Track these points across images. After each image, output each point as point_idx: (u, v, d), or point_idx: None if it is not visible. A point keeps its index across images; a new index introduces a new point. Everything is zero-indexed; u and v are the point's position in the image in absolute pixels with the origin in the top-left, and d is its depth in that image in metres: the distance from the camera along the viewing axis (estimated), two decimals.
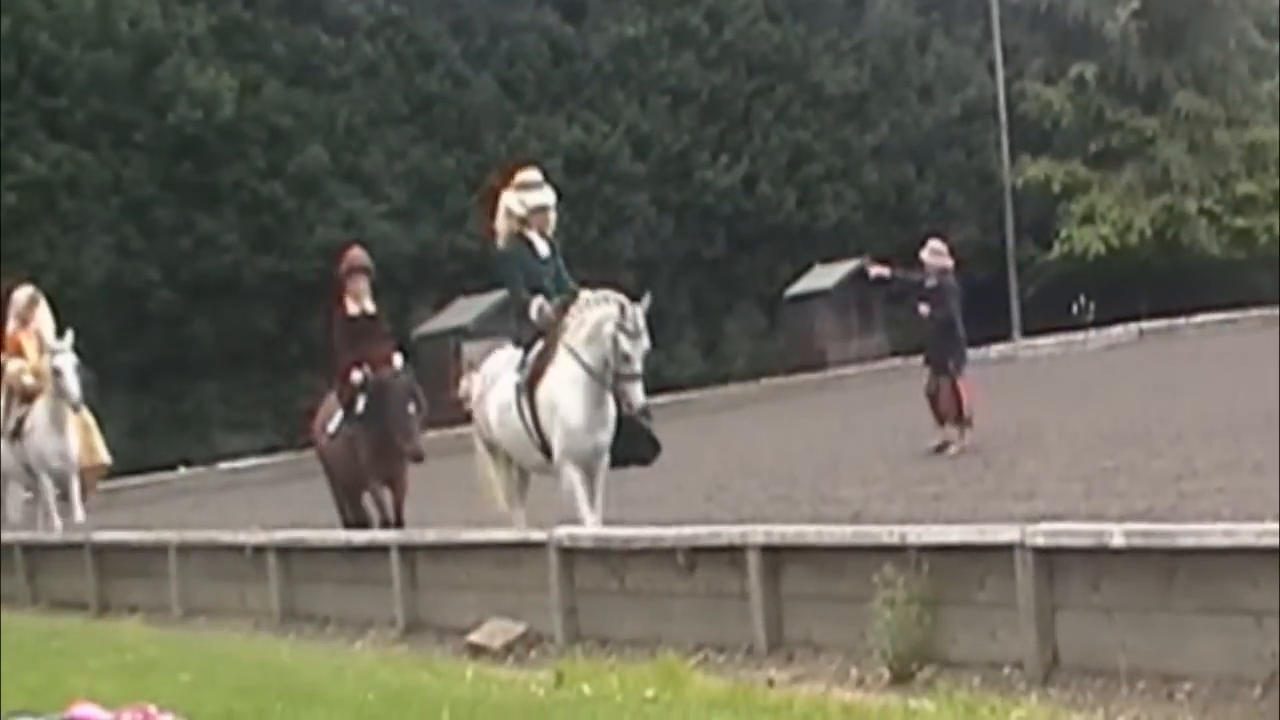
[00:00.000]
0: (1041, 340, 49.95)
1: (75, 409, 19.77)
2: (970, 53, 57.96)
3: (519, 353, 14.38)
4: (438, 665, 10.99)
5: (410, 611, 13.09)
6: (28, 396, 20.27)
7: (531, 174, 15.25)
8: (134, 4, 45.69)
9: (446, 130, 50.30)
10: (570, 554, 11.66)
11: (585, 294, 14.08)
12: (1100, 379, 32.75)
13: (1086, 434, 20.27)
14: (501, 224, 14.70)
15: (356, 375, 15.75)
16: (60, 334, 19.98)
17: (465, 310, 46.21)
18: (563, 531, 11.88)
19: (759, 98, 53.98)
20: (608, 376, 13.43)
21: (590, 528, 12.91)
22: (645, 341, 13.43)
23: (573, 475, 13.61)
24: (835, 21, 55.84)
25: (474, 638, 11.88)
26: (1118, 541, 8.27)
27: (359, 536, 14.35)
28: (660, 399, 43.01)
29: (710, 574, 10.68)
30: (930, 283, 21.50)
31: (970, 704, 7.98)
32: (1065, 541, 8.61)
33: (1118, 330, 48.48)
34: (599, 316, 13.56)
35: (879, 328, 49.96)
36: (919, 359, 22.82)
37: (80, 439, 20.28)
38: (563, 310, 13.95)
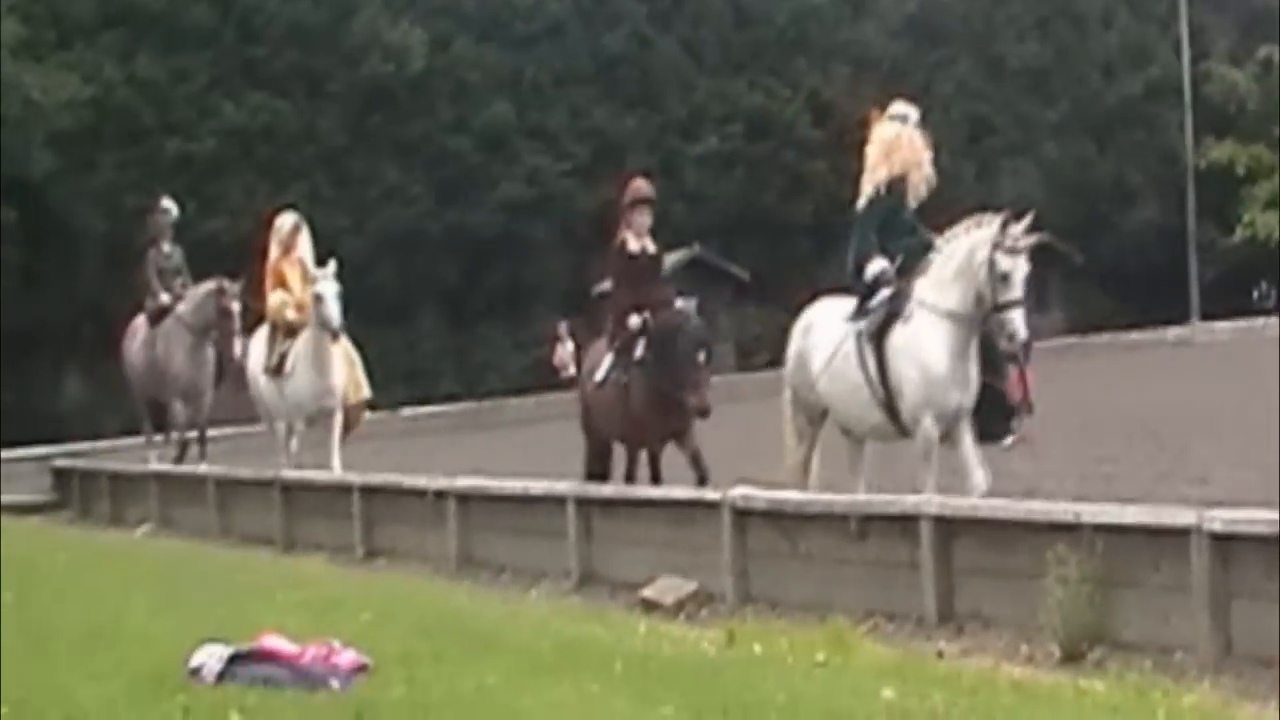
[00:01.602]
0: (1220, 325, 49.10)
1: (335, 337, 18.43)
2: (1155, 30, 56.97)
3: (848, 302, 12.72)
4: (610, 618, 11.05)
5: (584, 564, 13.16)
6: (291, 330, 19.14)
7: (915, 110, 13.26)
8: None
9: (629, 90, 50.43)
10: (744, 515, 11.66)
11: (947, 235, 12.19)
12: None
13: (1263, 422, 19.87)
14: (896, 161, 12.75)
15: (634, 320, 14.23)
16: (322, 262, 18.89)
17: None
18: (737, 493, 11.88)
19: (940, 69, 53.48)
20: (979, 315, 11.73)
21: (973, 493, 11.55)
22: (1025, 264, 11.63)
23: (932, 431, 11.93)
24: None
25: (646, 593, 11.92)
26: None
27: (536, 486, 14.35)
28: None
29: (882, 542, 10.65)
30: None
31: (1141, 687, 7.88)
32: (1243, 528, 8.47)
33: None
34: (969, 245, 11.86)
35: (1057, 304, 49.44)
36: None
37: (345, 374, 19.16)
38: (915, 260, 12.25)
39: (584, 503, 13.31)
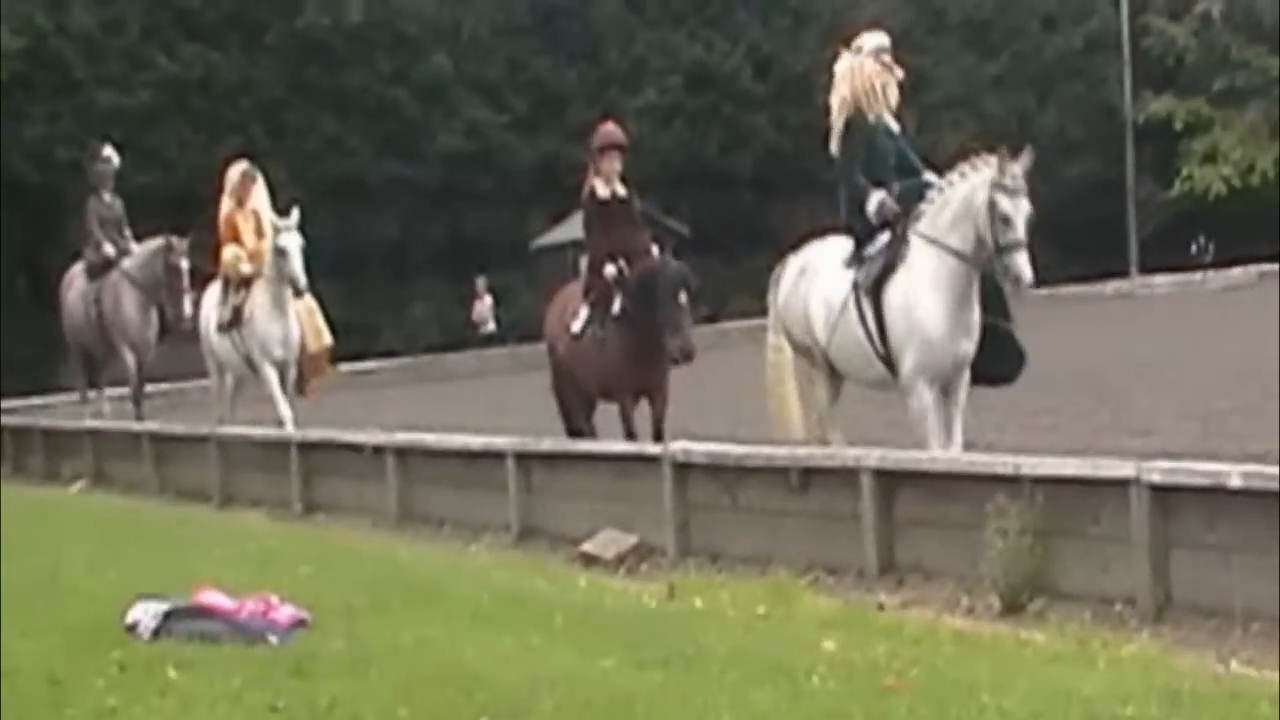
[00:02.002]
0: (1159, 278, 49.41)
1: (299, 294, 18.16)
2: None
3: (847, 244, 12.32)
4: (551, 572, 11.06)
5: (525, 518, 13.15)
6: (244, 282, 18.71)
7: (881, 38, 12.70)
8: None
9: (569, 43, 50.34)
10: (684, 469, 11.65)
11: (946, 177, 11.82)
12: (1218, 319, 32.35)
13: (1203, 373, 20.03)
14: (862, 89, 12.30)
15: (611, 269, 13.96)
16: (283, 212, 18.24)
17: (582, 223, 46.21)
18: (677, 446, 11.88)
19: (880, 22, 53.41)
20: (980, 259, 11.40)
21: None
22: (1027, 204, 11.26)
23: (926, 396, 11.68)
24: None
25: (587, 547, 11.92)
26: (1235, 482, 8.16)
27: (476, 441, 14.32)
28: None
29: (823, 495, 10.66)
30: None
31: (1082, 638, 7.93)
32: (1182, 480, 8.51)
33: (1236, 271, 47.78)
34: (967, 189, 11.49)
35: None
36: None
37: (306, 323, 18.76)
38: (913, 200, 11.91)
39: (524, 457, 13.28)
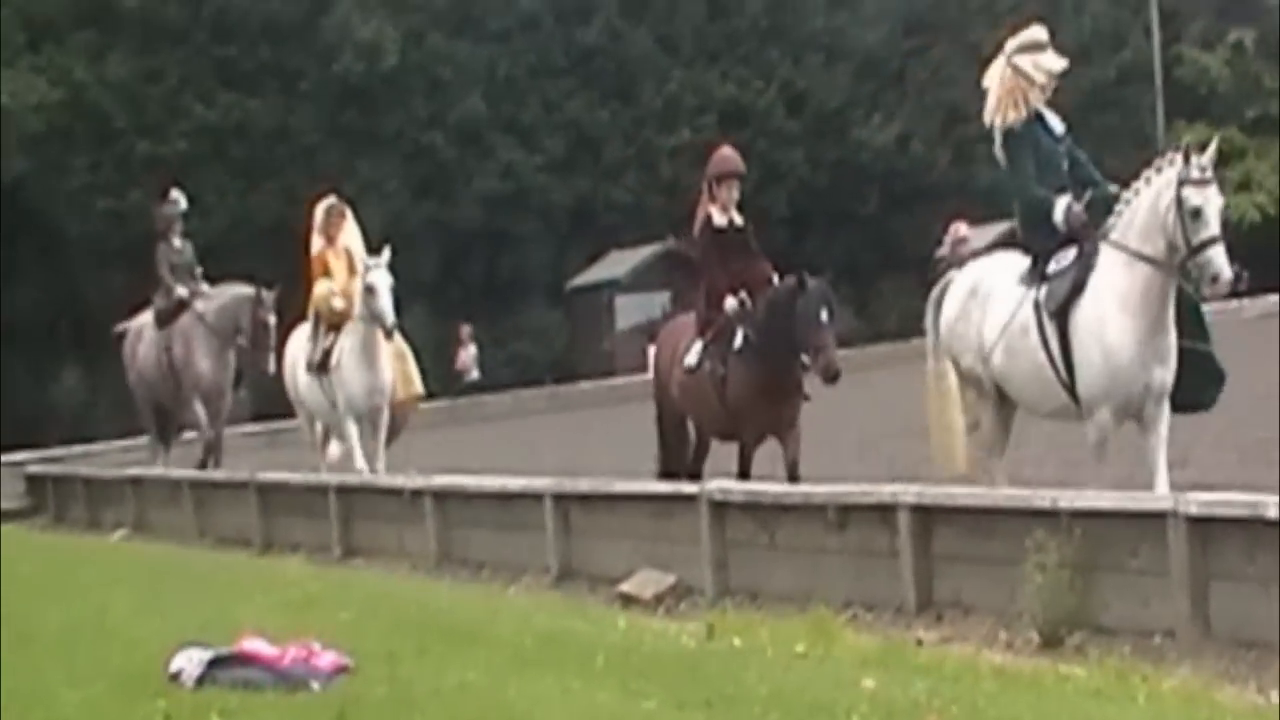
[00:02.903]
0: None
1: (389, 334, 17.25)
2: (1127, 15, 57.08)
3: (1021, 260, 11.50)
4: (590, 612, 11.06)
5: (563, 559, 13.16)
6: (336, 323, 17.82)
7: (1039, 32, 11.95)
8: None
9: (603, 83, 50.41)
10: (722, 508, 11.67)
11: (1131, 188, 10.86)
12: (1254, 348, 32.11)
13: (1240, 403, 19.86)
14: (1003, 94, 11.54)
15: (731, 302, 13.23)
16: (375, 250, 17.60)
17: (618, 263, 46.38)
18: (714, 485, 11.89)
19: (914, 56, 53.55)
20: (1174, 268, 10.50)
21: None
22: (1219, 196, 10.56)
23: (1106, 427, 10.85)
24: None
25: (625, 587, 11.94)
26: (1273, 513, 8.13)
27: (514, 483, 14.33)
28: None
29: (861, 532, 10.67)
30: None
31: (1121, 671, 7.91)
32: (1220, 511, 8.50)
33: (1273, 299, 47.49)
34: (1152, 193, 10.60)
35: None
36: None
37: (395, 370, 17.90)
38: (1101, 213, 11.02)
39: (561, 498, 13.30)
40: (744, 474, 13.21)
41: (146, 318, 21.92)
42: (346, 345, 17.62)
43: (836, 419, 21.89)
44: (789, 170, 51.06)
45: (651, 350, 14.76)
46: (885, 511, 10.42)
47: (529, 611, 11.03)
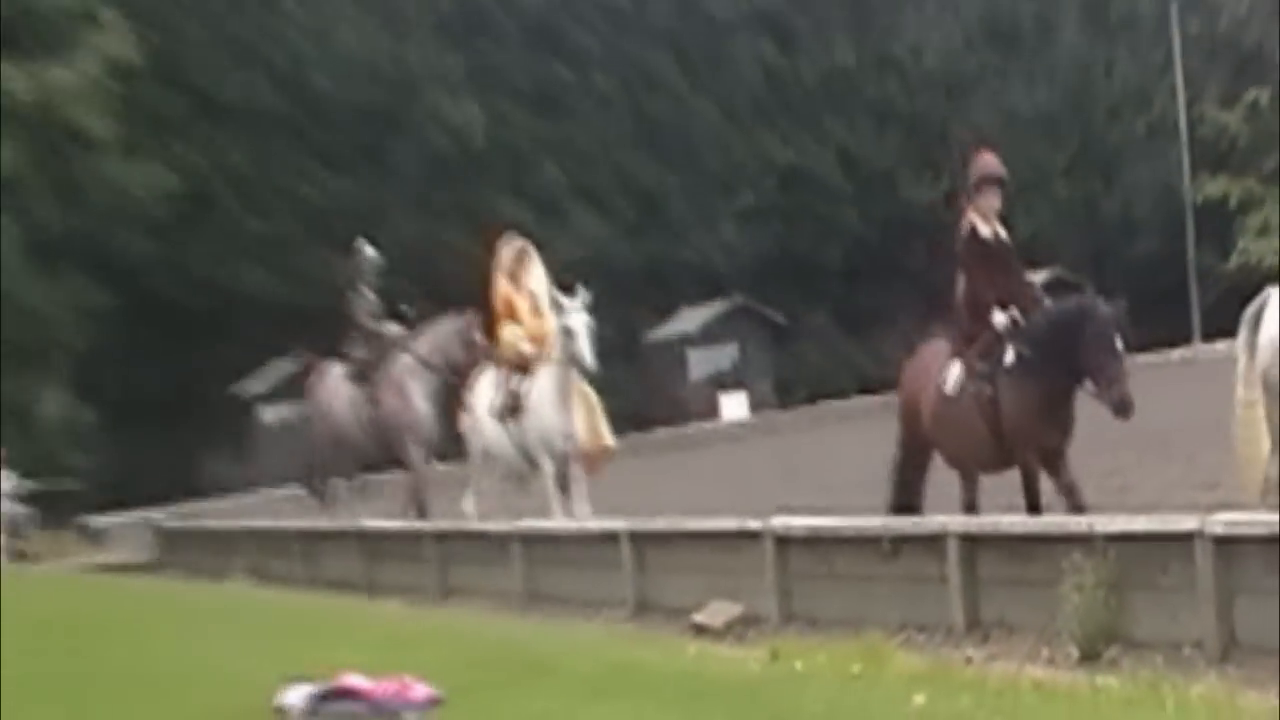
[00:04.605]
0: (1220, 344, 48.75)
1: (589, 376, 15.58)
2: (1154, 77, 56.99)
3: None
4: (663, 643, 11.02)
5: (639, 593, 13.14)
6: (523, 367, 16.08)
7: None
8: (395, 46, 46.69)
9: (671, 151, 50.59)
10: (784, 542, 11.63)
11: None
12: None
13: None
14: None
15: (1001, 317, 11.52)
16: (568, 289, 15.82)
17: (689, 319, 46.43)
18: (778, 521, 11.85)
19: (958, 118, 53.50)
20: None
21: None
22: None
23: None
24: (1028, 48, 55.22)
25: (697, 617, 11.90)
26: None
27: (593, 524, 14.31)
28: (868, 399, 42.98)
29: (912, 560, 10.62)
30: None
31: (1153, 681, 7.83)
32: (1243, 530, 8.45)
33: None
34: None
35: None
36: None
37: (584, 420, 15.89)
38: None
39: (637, 537, 13.29)
40: (1034, 506, 11.43)
41: (335, 370, 19.95)
42: (540, 388, 15.77)
43: (889, 457, 21.77)
44: (843, 226, 51.11)
45: (904, 378, 12.67)
46: (935, 541, 10.38)
47: (605, 643, 11.01)
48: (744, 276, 48.57)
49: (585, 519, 15.20)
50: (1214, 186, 53.89)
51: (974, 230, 11.81)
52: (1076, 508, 10.92)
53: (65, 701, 9.21)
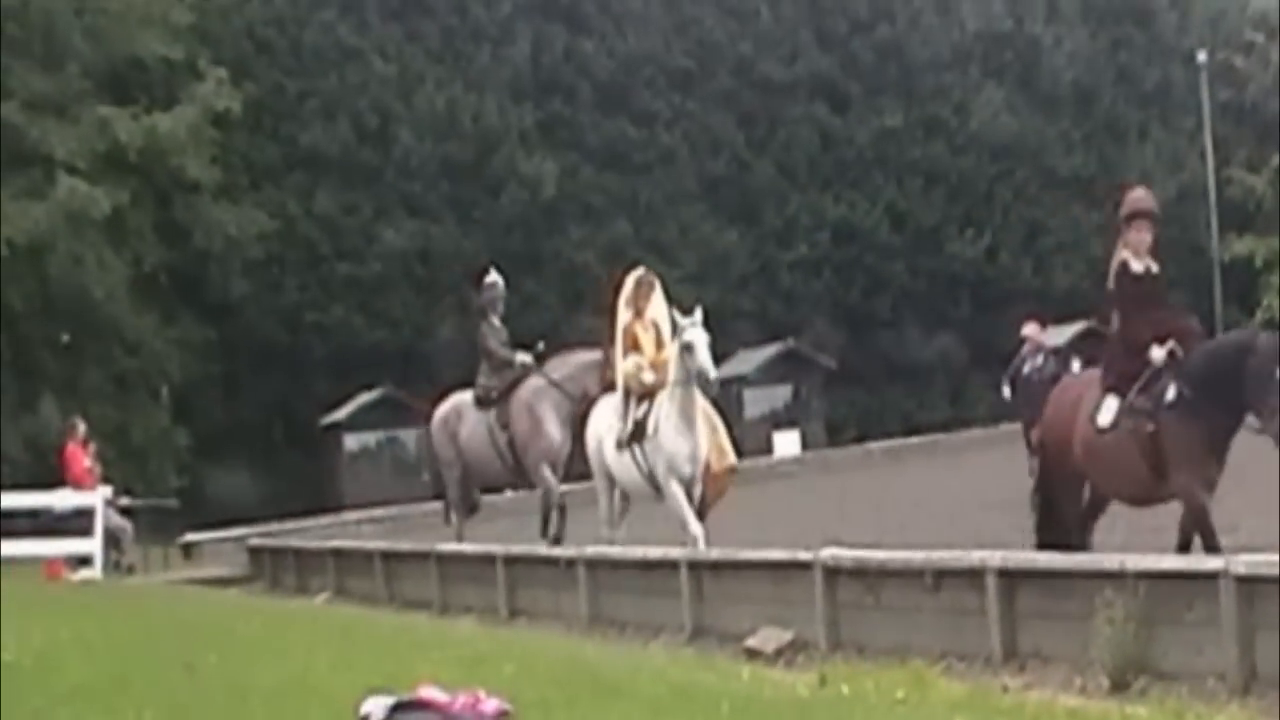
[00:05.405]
0: None
1: (709, 391, 14.82)
2: (1184, 142, 56.77)
3: None
4: (719, 666, 11.00)
5: (696, 618, 13.11)
6: (645, 395, 15.39)
7: None
8: (475, 103, 47.03)
9: (731, 207, 50.69)
10: (833, 573, 11.61)
11: None
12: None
13: None
14: None
15: (1159, 352, 11.00)
16: (686, 310, 14.95)
17: (745, 361, 46.39)
18: (827, 553, 11.84)
19: (1000, 180, 53.46)
20: None
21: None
22: None
23: None
24: (1067, 114, 55.11)
25: (750, 643, 11.88)
26: None
27: (653, 552, 14.29)
28: (913, 440, 42.82)
29: (953, 593, 10.59)
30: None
31: (1179, 710, 7.82)
32: (1264, 570, 8.43)
33: None
34: None
35: None
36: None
37: (709, 440, 15.27)
38: None
39: (695, 565, 13.30)
40: (1211, 546, 10.68)
41: (462, 399, 18.97)
42: (663, 412, 14.99)
43: (933, 494, 21.73)
44: (891, 278, 51.04)
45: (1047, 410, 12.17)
46: (975, 575, 10.34)
47: (664, 665, 11.01)
48: (798, 323, 48.60)
49: (700, 540, 14.55)
50: (1240, 246, 53.62)
51: (1125, 266, 11.39)
52: (1211, 548, 10.54)
53: (175, 708, 9.26)
